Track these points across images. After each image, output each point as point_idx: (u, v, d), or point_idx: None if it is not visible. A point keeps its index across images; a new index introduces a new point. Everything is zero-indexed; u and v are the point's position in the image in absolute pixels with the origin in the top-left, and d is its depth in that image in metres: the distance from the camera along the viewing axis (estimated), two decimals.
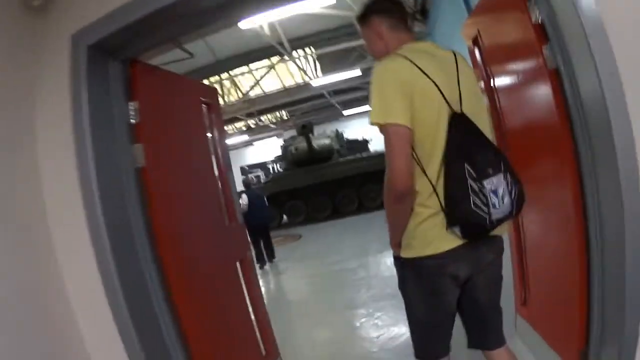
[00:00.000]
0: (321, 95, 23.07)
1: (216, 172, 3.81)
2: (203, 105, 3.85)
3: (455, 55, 2.12)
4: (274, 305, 6.58)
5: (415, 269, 2.02)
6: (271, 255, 10.71)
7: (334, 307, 6.46)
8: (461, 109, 1.96)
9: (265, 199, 12.50)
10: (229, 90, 20.96)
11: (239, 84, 21.60)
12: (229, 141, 31.77)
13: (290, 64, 20.24)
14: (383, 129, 1.90)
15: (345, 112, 28.49)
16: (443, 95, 1.91)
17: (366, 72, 21.05)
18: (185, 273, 2.94)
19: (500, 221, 1.92)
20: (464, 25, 3.62)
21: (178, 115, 3.43)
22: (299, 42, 15.26)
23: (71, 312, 2.61)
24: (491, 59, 3.32)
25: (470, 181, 1.83)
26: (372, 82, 1.96)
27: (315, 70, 18.41)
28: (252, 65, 20.24)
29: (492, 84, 3.36)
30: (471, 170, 1.83)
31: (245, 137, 31.85)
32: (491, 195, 1.85)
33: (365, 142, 19.99)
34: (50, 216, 2.61)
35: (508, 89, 3.15)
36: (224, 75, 17.88)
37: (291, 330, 5.73)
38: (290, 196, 16.87)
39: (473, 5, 4.73)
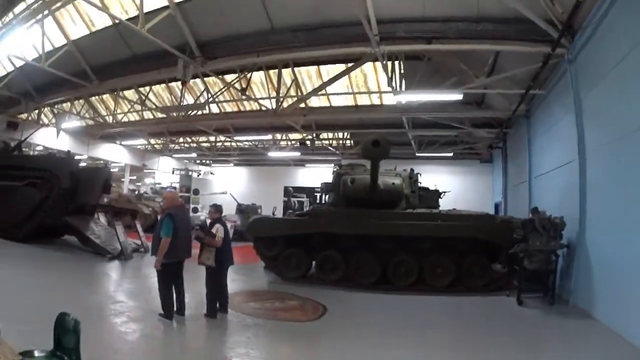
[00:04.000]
0: (396, 125, 18.71)
1: None
2: None
3: None
4: None
5: None
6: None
7: None
8: None
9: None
10: (287, 86, 16.84)
11: (300, 81, 17.49)
12: (278, 154, 28.11)
13: (369, 68, 16.27)
14: None
15: (419, 154, 23.99)
16: None
17: (466, 104, 16.97)
18: None
19: None
20: None
21: None
22: (391, 27, 10.77)
23: None
24: None
25: None
26: None
27: (401, 84, 13.89)
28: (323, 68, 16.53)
29: None
30: None
31: (297, 154, 27.97)
32: None
33: (437, 194, 15.26)
34: None
35: None
36: (278, 56, 13.37)
37: None
38: (328, 243, 12.07)
39: None
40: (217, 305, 8.12)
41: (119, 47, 15.69)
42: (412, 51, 12.65)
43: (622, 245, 7.81)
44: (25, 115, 22.89)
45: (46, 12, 12.15)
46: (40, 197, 14.76)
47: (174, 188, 33.67)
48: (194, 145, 31.95)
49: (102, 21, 15.16)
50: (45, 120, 24.67)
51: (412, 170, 13.65)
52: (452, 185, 22.24)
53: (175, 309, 7.75)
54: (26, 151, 23.57)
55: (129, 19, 12.51)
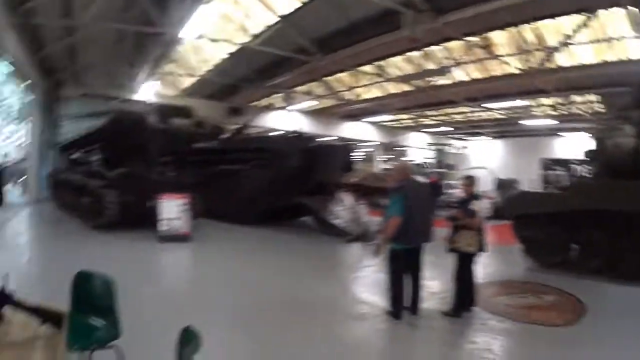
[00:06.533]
0: None
1: None
2: None
3: None
4: None
5: None
6: None
7: None
8: None
9: None
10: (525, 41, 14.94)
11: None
12: (532, 122, 25.61)
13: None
14: None
15: None
16: None
17: None
18: None
19: None
20: None
21: None
22: None
23: None
24: None
25: None
26: None
27: None
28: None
29: None
30: None
31: (549, 122, 24.94)
32: None
33: None
34: None
35: None
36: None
37: None
38: (590, 223, 9.54)
39: None
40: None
41: (335, 14, 14.68)
42: None
43: None
44: (253, 100, 23.82)
45: None
46: (267, 178, 14.55)
47: (426, 164, 32.43)
48: (445, 118, 30.03)
49: None
50: (277, 104, 25.39)
51: None
52: None
53: (407, 305, 6.54)
54: (254, 134, 23.96)
55: None
